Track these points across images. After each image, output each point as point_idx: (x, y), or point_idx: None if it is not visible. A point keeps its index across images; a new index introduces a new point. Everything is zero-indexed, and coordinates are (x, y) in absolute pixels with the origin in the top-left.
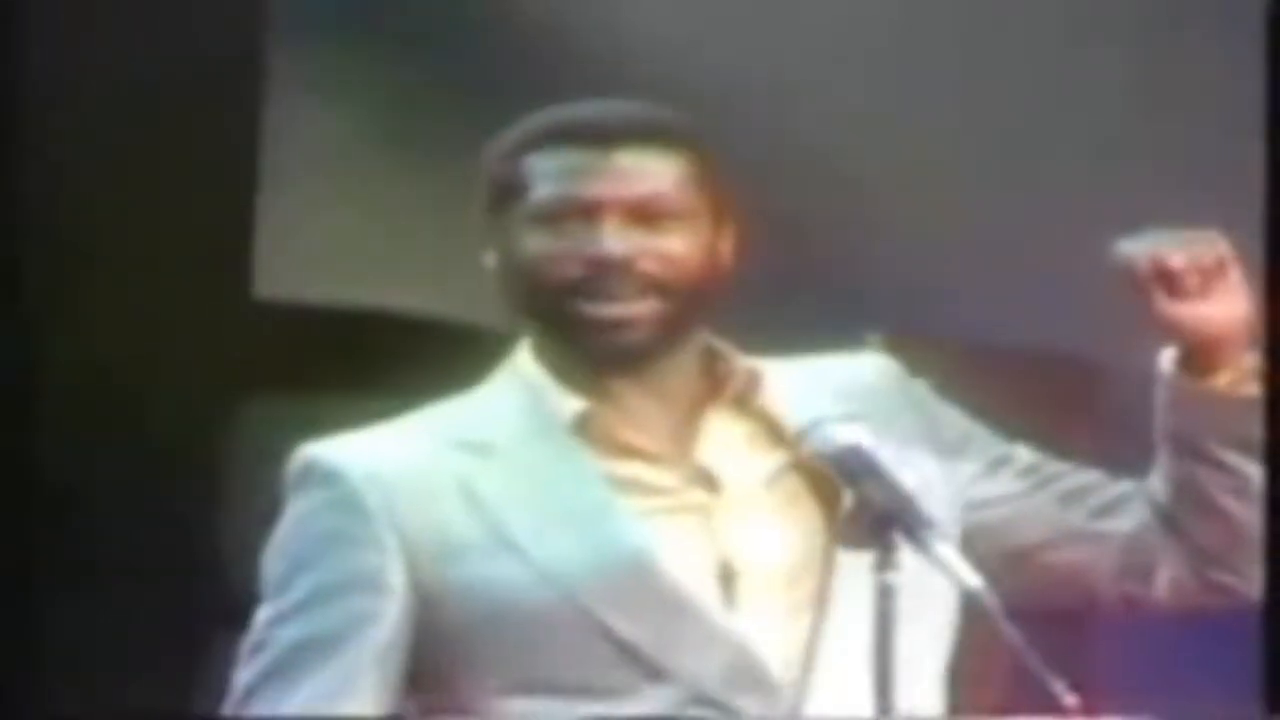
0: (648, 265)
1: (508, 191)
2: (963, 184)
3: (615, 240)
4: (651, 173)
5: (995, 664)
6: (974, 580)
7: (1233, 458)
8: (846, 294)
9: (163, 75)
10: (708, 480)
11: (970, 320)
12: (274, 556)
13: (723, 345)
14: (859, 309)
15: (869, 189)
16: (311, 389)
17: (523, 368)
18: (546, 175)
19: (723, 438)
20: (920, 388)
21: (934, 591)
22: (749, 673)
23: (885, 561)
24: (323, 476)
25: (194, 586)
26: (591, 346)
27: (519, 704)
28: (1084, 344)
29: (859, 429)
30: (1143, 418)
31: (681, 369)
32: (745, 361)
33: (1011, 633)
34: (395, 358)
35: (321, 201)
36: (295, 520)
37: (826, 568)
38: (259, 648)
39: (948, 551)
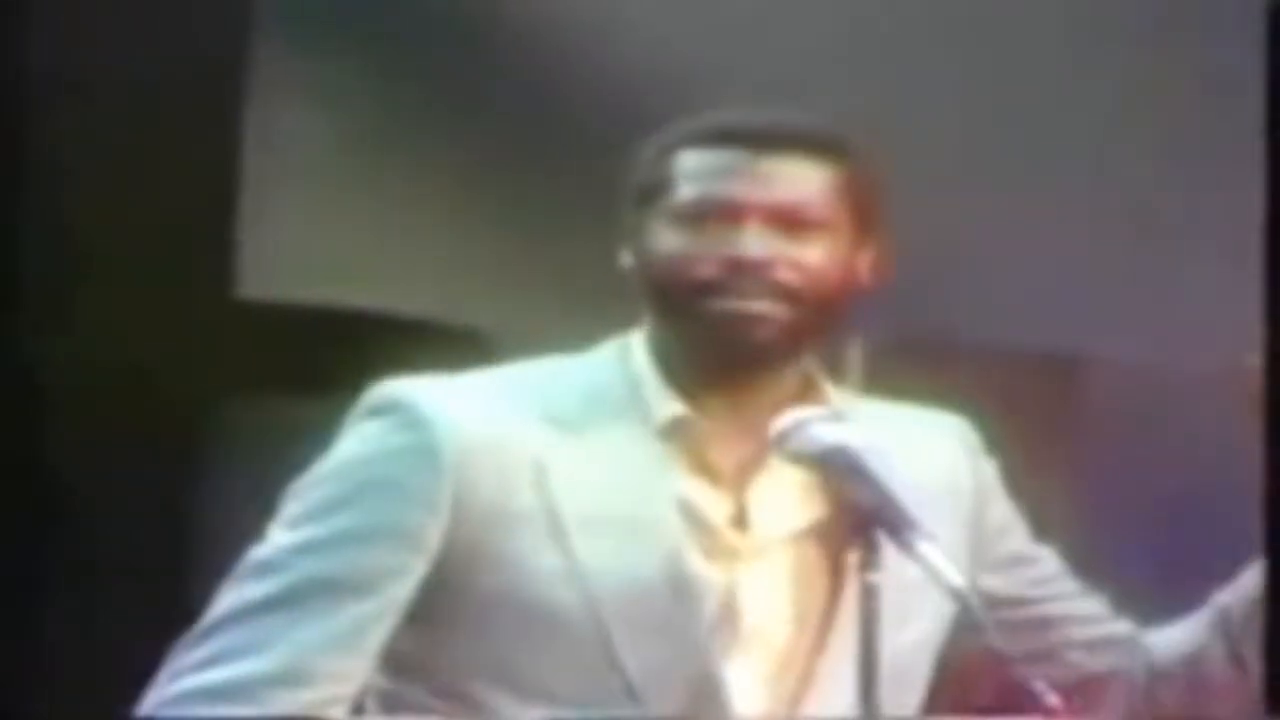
0: (784, 272)
1: (653, 189)
2: (957, 182)
3: (755, 243)
4: (798, 180)
5: (979, 665)
6: (958, 580)
7: (1254, 661)
8: None
9: (147, 77)
10: (743, 521)
11: (956, 320)
12: (319, 483)
13: (821, 378)
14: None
15: None
16: (295, 391)
17: (633, 355)
18: (693, 175)
19: (780, 477)
20: (989, 468)
21: (923, 598)
22: None
23: (869, 562)
24: (407, 421)
25: (179, 587)
26: (716, 343)
27: (477, 689)
28: (1070, 346)
29: (844, 428)
30: (1122, 423)
31: (779, 390)
32: (837, 400)
33: (996, 633)
34: (379, 359)
35: (306, 204)
36: (361, 455)
37: (821, 634)
38: (270, 569)
39: (932, 551)
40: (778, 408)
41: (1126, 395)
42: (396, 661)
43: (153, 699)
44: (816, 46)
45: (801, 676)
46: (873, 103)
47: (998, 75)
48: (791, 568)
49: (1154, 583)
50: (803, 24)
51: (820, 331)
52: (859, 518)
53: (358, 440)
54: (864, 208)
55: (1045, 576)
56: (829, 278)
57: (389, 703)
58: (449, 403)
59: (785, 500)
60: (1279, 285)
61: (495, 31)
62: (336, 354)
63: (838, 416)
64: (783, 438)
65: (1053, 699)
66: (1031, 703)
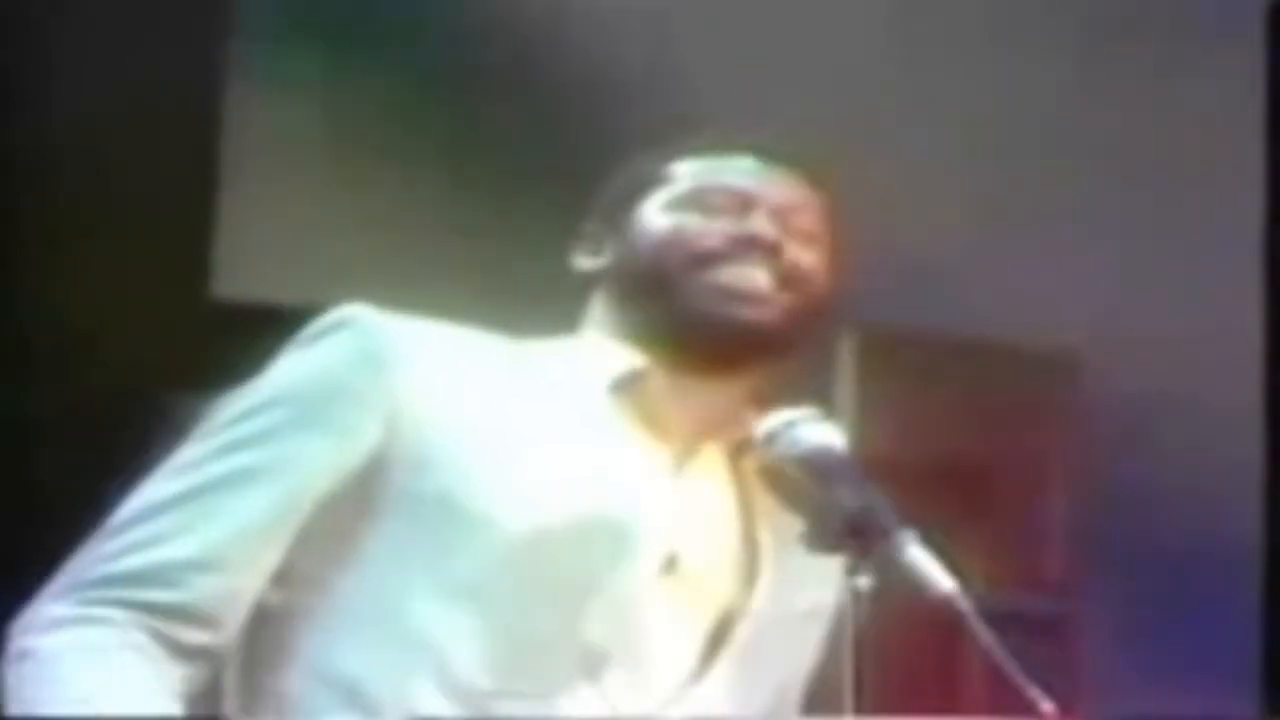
0: (792, 255)
1: (647, 185)
2: (959, 182)
3: (767, 226)
4: (800, 193)
5: (969, 668)
6: (947, 584)
7: None
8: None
9: (125, 73)
10: (684, 482)
11: (948, 312)
12: (248, 393)
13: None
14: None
15: (856, 178)
16: None
17: (589, 337)
18: (698, 171)
19: (712, 466)
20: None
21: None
22: (637, 660)
23: (856, 565)
24: (352, 331)
25: None
26: (704, 320)
27: (398, 591)
28: (1061, 341)
29: (831, 430)
30: (1112, 419)
31: (732, 397)
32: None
33: (986, 636)
34: None
35: (282, 202)
36: (298, 365)
37: (744, 599)
38: (186, 469)
39: (920, 555)
40: (725, 408)
41: (1126, 395)
42: (290, 575)
43: (63, 582)
44: (818, 43)
45: (719, 634)
46: (874, 100)
47: (999, 75)
48: (722, 528)
49: (1154, 580)
50: (792, 14)
51: (802, 336)
52: (846, 520)
53: (296, 356)
54: (832, 242)
55: None
56: (823, 281)
57: (274, 622)
58: (399, 320)
59: (722, 475)
60: (1279, 285)
61: (467, 29)
62: None
63: (822, 417)
64: (770, 439)
65: (1046, 705)
66: (1023, 706)
